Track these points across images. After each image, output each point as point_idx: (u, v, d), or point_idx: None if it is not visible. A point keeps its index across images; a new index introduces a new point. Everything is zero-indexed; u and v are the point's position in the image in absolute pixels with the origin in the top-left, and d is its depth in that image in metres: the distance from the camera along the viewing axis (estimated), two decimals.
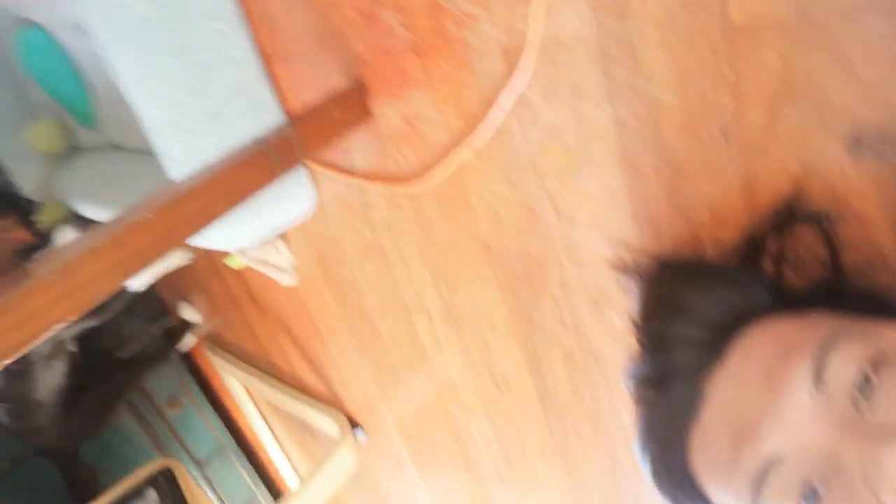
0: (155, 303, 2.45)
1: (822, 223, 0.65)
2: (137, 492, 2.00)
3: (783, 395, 0.53)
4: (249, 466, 2.79)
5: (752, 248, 0.69)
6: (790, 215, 0.66)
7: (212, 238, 1.08)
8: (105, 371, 1.63)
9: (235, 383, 2.30)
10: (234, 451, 2.81)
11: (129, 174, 1.30)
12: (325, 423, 1.91)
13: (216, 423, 2.61)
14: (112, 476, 2.29)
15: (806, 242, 0.66)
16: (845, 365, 0.51)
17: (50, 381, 1.48)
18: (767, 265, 0.69)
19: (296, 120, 0.92)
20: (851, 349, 0.51)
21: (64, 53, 1.29)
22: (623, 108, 0.72)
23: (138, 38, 0.91)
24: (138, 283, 1.66)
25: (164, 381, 2.48)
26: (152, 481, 2.01)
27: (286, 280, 1.50)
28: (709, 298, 0.66)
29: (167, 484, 2.00)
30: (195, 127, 0.93)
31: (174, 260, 1.68)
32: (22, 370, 1.41)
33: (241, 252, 1.49)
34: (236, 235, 1.11)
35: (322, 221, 1.30)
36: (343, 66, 0.98)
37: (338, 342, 1.63)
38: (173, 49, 0.94)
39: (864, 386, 0.49)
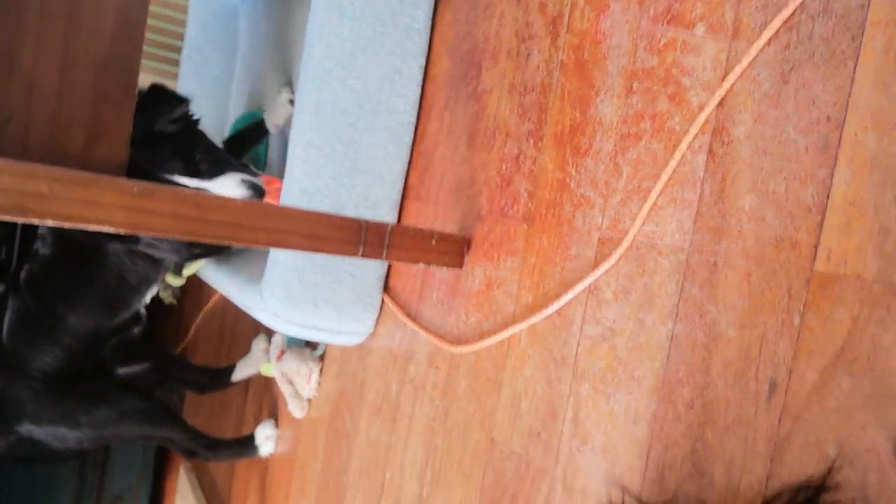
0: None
1: None
2: None
3: None
4: None
5: None
6: None
7: (278, 305, 1.12)
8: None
9: None
10: None
11: None
12: None
13: None
14: None
15: None
16: None
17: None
18: None
19: (399, 226, 0.98)
20: None
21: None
22: (684, 328, 0.71)
23: (328, 116, 1.08)
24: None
25: (127, 471, 2.34)
26: None
27: (296, 409, 1.45)
28: None
29: None
30: (323, 185, 1.03)
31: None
32: None
33: (279, 360, 1.49)
34: (298, 312, 1.14)
35: (362, 361, 1.29)
36: (462, 217, 1.06)
37: None
38: (346, 137, 1.09)
39: None
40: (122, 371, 1.41)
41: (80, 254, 1.28)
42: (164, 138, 1.16)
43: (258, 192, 1.25)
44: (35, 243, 1.29)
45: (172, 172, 1.20)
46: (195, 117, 1.30)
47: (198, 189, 1.23)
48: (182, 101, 1.23)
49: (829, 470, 0.57)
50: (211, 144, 1.30)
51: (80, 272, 1.28)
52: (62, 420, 1.32)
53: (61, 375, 1.30)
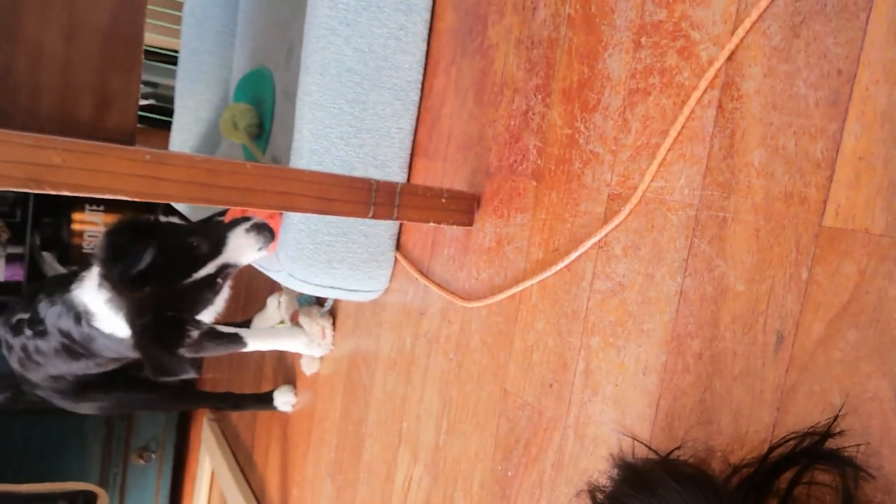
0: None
1: (846, 474, 0.57)
2: (52, 498, 1.88)
3: None
4: None
5: (761, 476, 0.62)
6: (815, 452, 0.59)
7: (293, 266, 1.14)
8: None
9: (208, 463, 2.19)
10: None
11: None
12: None
13: (163, 495, 2.45)
14: (44, 468, 2.19)
15: (820, 483, 0.58)
16: None
17: None
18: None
19: (409, 185, 0.99)
20: None
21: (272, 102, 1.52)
22: (693, 282, 0.72)
23: (334, 76, 1.07)
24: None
25: (152, 424, 2.42)
26: (72, 497, 1.89)
27: (307, 367, 1.49)
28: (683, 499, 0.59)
29: None
30: (332, 146, 1.03)
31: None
32: None
33: (293, 322, 1.52)
34: (313, 272, 1.15)
35: (376, 317, 1.32)
36: (472, 174, 1.07)
37: (317, 455, 1.54)
38: (353, 96, 1.09)
39: None
40: None
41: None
42: (151, 270, 1.06)
43: (267, 228, 1.16)
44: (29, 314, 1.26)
45: (186, 279, 1.11)
46: (156, 219, 1.20)
47: (220, 266, 1.13)
48: (137, 242, 1.08)
49: (834, 418, 0.58)
50: (189, 229, 1.19)
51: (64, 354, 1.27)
52: (85, 408, 1.44)
53: (70, 389, 1.37)
